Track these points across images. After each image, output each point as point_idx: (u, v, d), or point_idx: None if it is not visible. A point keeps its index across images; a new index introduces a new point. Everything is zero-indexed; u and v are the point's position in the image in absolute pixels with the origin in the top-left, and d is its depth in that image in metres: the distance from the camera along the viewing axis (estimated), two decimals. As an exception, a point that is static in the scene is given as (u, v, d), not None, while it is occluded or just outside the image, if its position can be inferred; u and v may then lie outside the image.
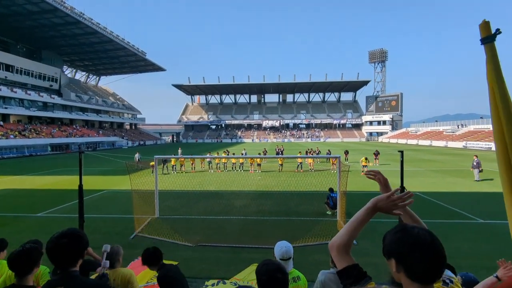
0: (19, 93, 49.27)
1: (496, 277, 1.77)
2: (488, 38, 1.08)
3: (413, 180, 15.82)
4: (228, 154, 25.16)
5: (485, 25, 1.08)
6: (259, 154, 25.17)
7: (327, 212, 10.02)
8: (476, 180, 15.84)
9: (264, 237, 7.49)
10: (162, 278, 3.06)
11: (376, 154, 24.83)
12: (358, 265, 1.28)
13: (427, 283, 1.08)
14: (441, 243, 1.10)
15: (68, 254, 1.58)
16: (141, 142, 71.04)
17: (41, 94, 54.44)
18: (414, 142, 62.76)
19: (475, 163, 16.23)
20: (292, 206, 10.86)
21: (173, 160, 21.30)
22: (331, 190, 10.09)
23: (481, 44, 1.10)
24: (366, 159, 19.75)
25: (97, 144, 56.20)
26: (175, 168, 21.29)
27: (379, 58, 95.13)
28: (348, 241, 1.33)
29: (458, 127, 59.69)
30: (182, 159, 21.78)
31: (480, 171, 16.07)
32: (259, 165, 21.29)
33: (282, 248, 2.85)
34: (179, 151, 28.79)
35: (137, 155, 24.84)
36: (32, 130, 46.41)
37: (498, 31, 1.06)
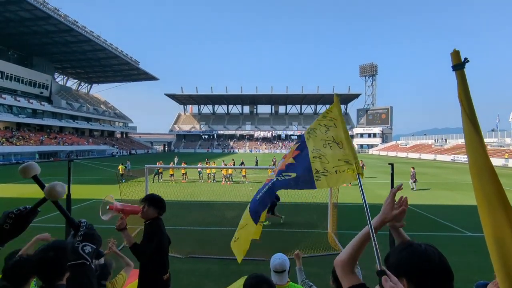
0: (8, 100, 48.51)
1: None
2: (458, 65, 1.17)
3: (403, 193, 15.91)
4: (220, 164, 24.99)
5: (456, 54, 1.19)
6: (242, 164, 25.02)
7: (265, 223, 9.96)
8: (413, 189, 17.15)
9: (255, 249, 7.42)
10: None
11: (361, 165, 24.70)
12: (365, 285, 1.25)
13: None
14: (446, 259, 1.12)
15: (55, 268, 1.52)
16: (125, 152, 69.44)
17: (31, 101, 53.71)
18: (403, 155, 63.63)
19: (412, 174, 17.59)
20: (283, 217, 10.82)
21: (170, 169, 21.32)
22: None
23: (453, 70, 1.19)
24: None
25: (87, 152, 55.36)
26: (173, 176, 21.12)
27: (370, 72, 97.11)
28: (352, 258, 1.31)
29: (445, 141, 60.88)
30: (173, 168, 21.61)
31: (414, 182, 17.54)
32: (244, 176, 21.38)
33: (276, 260, 2.72)
34: (175, 160, 28.54)
35: (128, 164, 24.56)
36: (20, 137, 45.54)
37: (466, 60, 1.16)
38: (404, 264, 1.10)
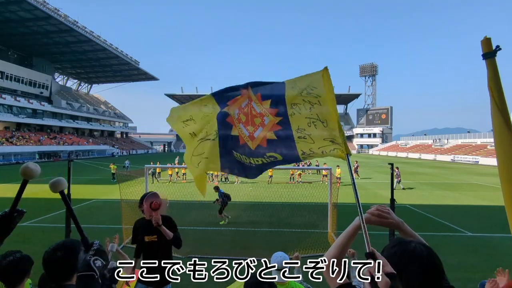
0: (8, 100, 48.48)
1: None
2: (489, 54, 1.11)
3: (403, 193, 16.00)
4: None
5: (487, 42, 1.11)
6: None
7: (221, 222, 10.31)
8: (402, 188, 17.64)
9: (255, 248, 7.43)
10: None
11: (356, 167, 23.43)
12: (351, 284, 1.26)
13: None
14: (438, 257, 1.11)
15: (63, 268, 1.52)
16: (125, 152, 69.61)
17: (31, 101, 53.70)
18: (403, 155, 63.63)
19: (396, 174, 17.99)
20: (283, 217, 10.83)
21: (169, 169, 21.47)
22: (216, 188, 10.68)
23: (483, 59, 1.12)
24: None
25: (87, 152, 55.37)
26: (172, 176, 21.27)
27: (370, 72, 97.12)
28: (339, 253, 1.31)
29: (446, 141, 60.85)
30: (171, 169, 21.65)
31: (398, 182, 17.99)
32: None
33: (277, 258, 2.72)
34: (176, 160, 28.58)
35: (126, 162, 24.64)
36: (20, 137, 45.53)
37: (498, 48, 1.09)
38: (392, 260, 1.10)
